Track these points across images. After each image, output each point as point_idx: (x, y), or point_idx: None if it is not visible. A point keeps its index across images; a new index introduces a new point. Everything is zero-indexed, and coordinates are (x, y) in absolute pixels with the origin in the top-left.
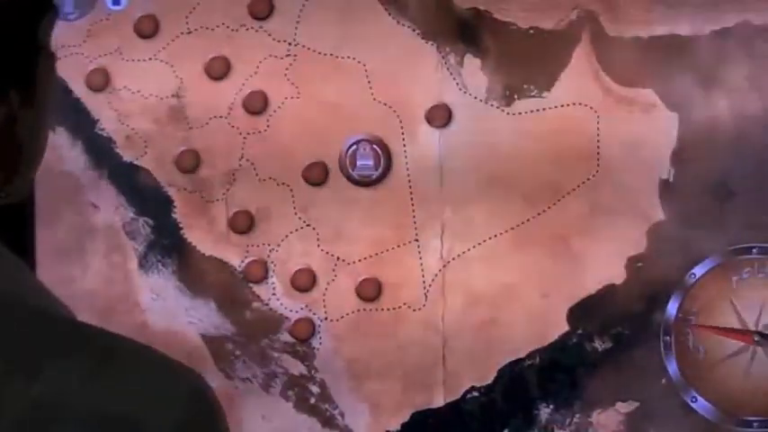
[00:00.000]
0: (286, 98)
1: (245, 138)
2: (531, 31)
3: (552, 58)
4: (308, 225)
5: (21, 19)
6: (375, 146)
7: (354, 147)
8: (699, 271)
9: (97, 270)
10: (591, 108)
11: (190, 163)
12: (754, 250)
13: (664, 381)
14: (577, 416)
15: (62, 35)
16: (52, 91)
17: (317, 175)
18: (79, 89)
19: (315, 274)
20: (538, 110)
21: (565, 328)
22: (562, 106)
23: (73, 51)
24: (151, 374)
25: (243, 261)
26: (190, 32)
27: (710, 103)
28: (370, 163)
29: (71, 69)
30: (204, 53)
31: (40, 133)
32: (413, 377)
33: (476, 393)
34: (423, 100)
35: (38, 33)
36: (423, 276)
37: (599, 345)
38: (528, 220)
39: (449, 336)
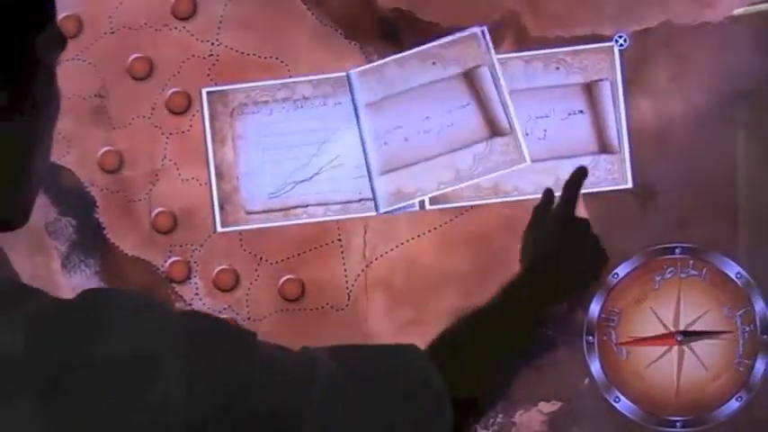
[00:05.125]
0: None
1: (167, 138)
2: (454, 32)
3: None
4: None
5: (11, 29)
6: None
7: None
8: (622, 271)
9: (20, 270)
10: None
11: (112, 163)
12: (677, 250)
13: (587, 381)
14: (500, 416)
15: None
16: (52, 108)
17: None
18: None
19: (238, 274)
20: None
21: None
22: None
23: None
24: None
25: (166, 261)
26: (113, 32)
27: (633, 103)
28: None
29: None
30: (127, 53)
31: (36, 151)
32: None
33: None
34: None
35: (35, 46)
36: (346, 276)
37: None
38: (451, 219)
39: (372, 336)
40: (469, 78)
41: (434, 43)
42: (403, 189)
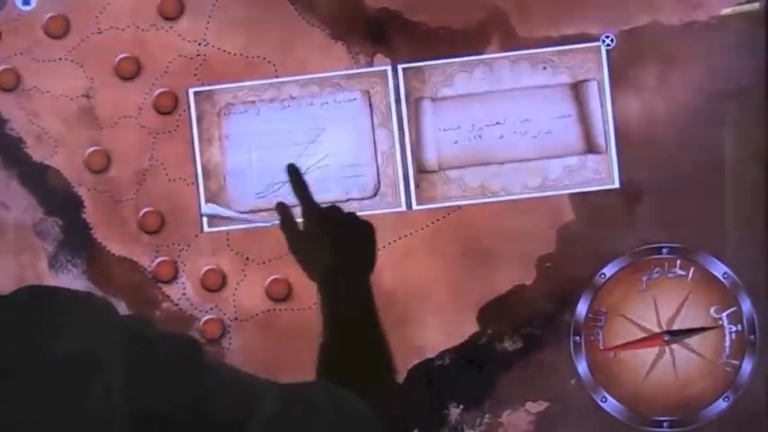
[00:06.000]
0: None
1: (154, 138)
2: (441, 32)
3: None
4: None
5: None
6: None
7: None
8: (609, 271)
9: (7, 270)
10: None
11: (100, 163)
12: (664, 250)
13: (573, 381)
14: (487, 416)
15: None
16: None
17: None
18: None
19: (225, 274)
20: None
21: (475, 327)
22: None
23: None
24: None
25: (153, 261)
26: (100, 32)
27: (620, 103)
28: None
29: None
30: (114, 53)
31: None
32: None
33: None
34: None
35: None
36: None
37: (509, 345)
38: (438, 219)
39: None
40: (576, 90)
41: (551, 48)
42: (487, 185)
